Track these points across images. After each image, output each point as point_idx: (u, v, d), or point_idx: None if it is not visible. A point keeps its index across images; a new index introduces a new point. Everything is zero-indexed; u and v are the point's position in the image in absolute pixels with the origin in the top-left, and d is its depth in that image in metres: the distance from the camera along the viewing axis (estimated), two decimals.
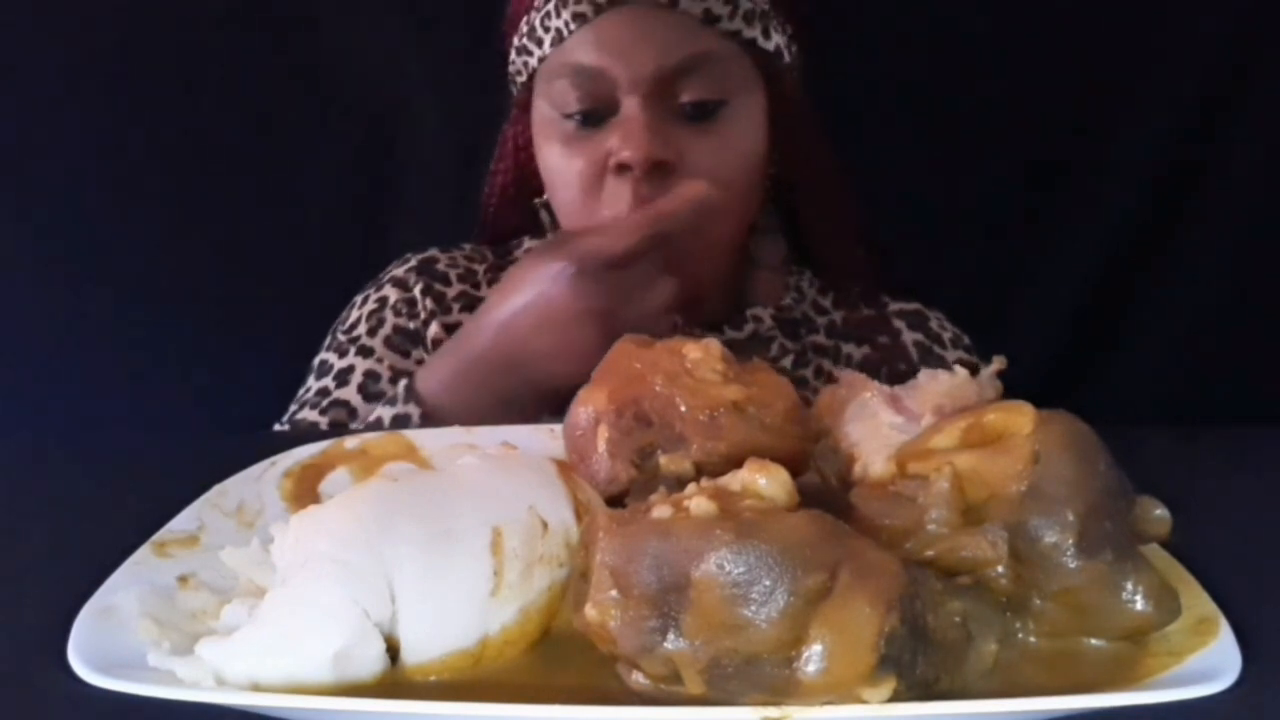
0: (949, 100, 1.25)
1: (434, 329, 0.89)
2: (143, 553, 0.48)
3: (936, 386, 0.51)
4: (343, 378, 0.87)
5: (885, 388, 0.52)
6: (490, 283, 0.93)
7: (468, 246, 0.98)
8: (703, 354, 0.51)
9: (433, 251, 0.96)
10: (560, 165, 0.83)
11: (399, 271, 0.94)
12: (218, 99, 1.23)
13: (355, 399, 0.85)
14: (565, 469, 0.48)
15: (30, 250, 1.22)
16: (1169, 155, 1.31)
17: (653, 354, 0.52)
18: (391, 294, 0.92)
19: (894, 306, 0.95)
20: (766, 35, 0.82)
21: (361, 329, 0.90)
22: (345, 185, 1.26)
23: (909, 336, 0.92)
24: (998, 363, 0.94)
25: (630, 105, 0.79)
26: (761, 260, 0.93)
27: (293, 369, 0.92)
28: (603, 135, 0.80)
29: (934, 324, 0.94)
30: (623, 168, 0.78)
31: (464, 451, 0.49)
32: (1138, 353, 1.34)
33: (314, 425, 0.84)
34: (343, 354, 0.89)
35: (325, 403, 0.86)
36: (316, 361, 0.91)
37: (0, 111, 1.21)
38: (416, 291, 0.91)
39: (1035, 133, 1.27)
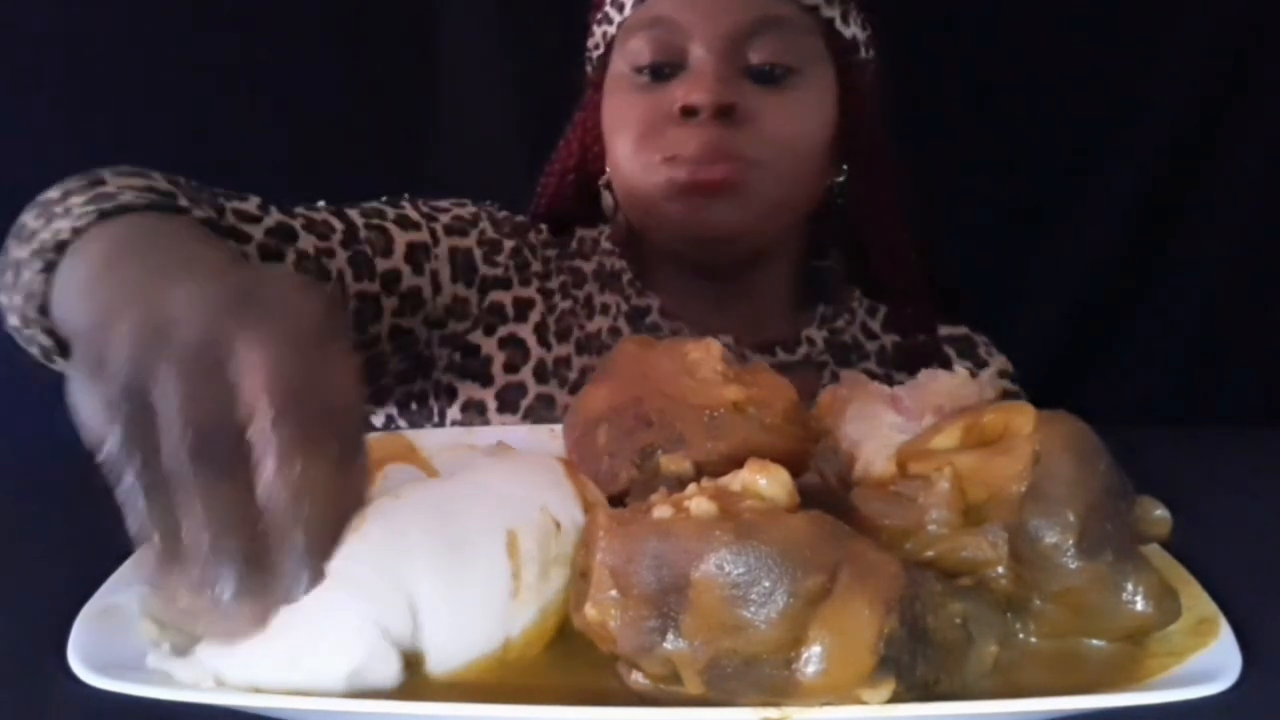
0: (948, 101, 1.25)
1: (494, 294, 0.83)
2: (143, 553, 0.48)
3: (937, 387, 0.51)
4: (403, 222, 0.79)
5: (885, 388, 0.52)
6: (558, 270, 0.87)
7: (544, 229, 0.91)
8: (703, 354, 0.51)
9: (522, 218, 0.90)
10: (624, 114, 0.83)
11: (495, 211, 0.87)
12: (240, 94, 1.23)
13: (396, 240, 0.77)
14: (572, 469, 0.48)
15: None
16: (1170, 156, 1.31)
17: (653, 354, 0.52)
18: (485, 223, 0.85)
19: (944, 332, 0.93)
20: (845, 21, 0.83)
21: (447, 215, 0.83)
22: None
23: (959, 365, 0.91)
24: (997, 362, 0.94)
25: (700, 56, 0.79)
26: (826, 273, 0.92)
27: None
28: (671, 87, 0.80)
29: (981, 351, 0.93)
30: (688, 111, 0.78)
31: (465, 452, 0.49)
32: (1138, 353, 1.34)
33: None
34: (413, 211, 0.81)
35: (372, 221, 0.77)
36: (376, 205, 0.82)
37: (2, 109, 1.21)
38: (506, 245, 0.85)
39: (1035, 133, 1.27)
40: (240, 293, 0.37)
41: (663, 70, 0.81)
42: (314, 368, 0.35)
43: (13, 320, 0.61)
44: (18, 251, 0.59)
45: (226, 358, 0.34)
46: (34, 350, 0.62)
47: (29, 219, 0.60)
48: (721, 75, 0.78)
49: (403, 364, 0.81)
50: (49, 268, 0.55)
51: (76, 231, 0.55)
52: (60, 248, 0.55)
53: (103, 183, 0.60)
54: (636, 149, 0.81)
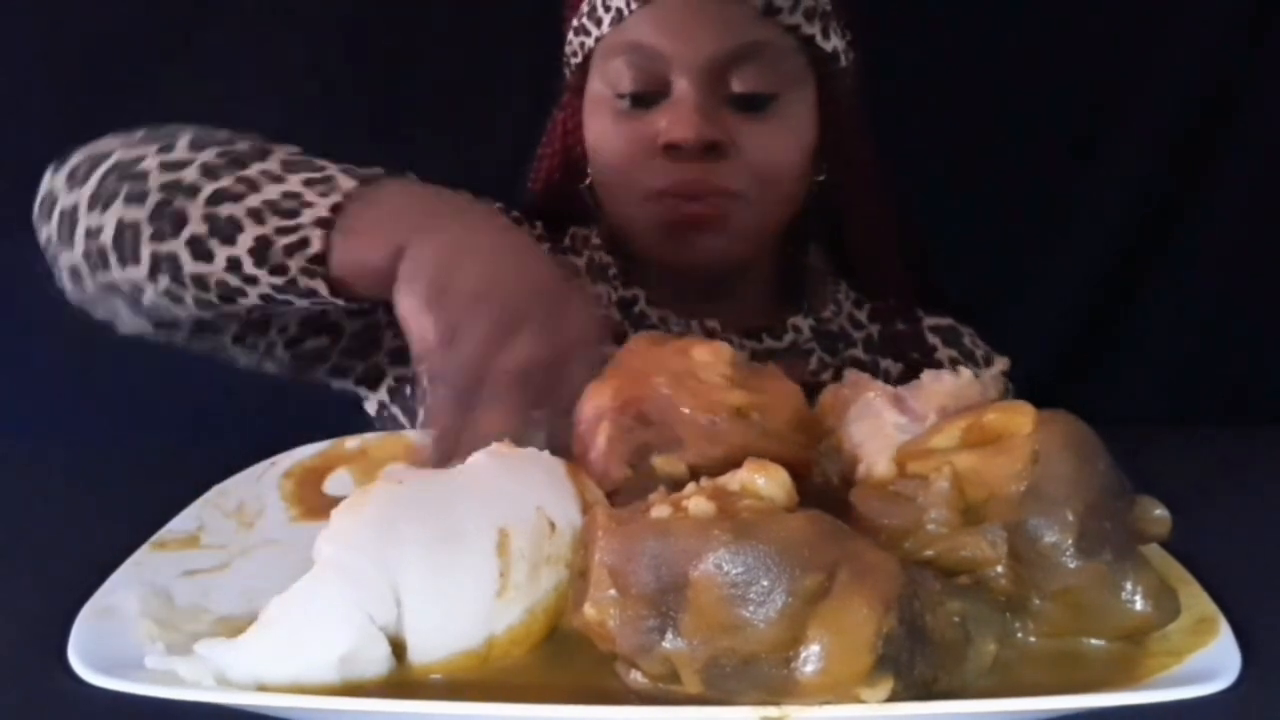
0: (948, 101, 1.25)
1: None
2: (143, 553, 0.48)
3: (940, 387, 0.51)
4: None
5: (889, 388, 0.52)
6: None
7: (539, 225, 0.92)
8: (711, 357, 0.51)
9: (515, 213, 0.90)
10: (607, 142, 0.83)
11: (494, 205, 0.87)
12: (226, 92, 1.23)
13: None
14: (574, 469, 0.48)
15: (34, 250, 1.22)
16: (1169, 155, 1.31)
17: (661, 354, 0.52)
18: None
19: (928, 322, 0.94)
20: (825, 35, 0.83)
21: None
22: None
23: (944, 353, 0.92)
24: (1000, 363, 0.94)
25: (682, 87, 0.79)
26: (805, 269, 0.92)
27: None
28: (653, 116, 0.80)
29: (967, 340, 0.94)
30: (671, 148, 0.78)
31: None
32: (1138, 353, 1.34)
33: None
34: None
35: None
36: None
37: (4, 112, 1.21)
38: None
39: (1035, 133, 1.27)
40: (549, 307, 0.55)
41: (644, 98, 0.80)
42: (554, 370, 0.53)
43: (202, 268, 0.62)
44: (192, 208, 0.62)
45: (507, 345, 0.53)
46: (191, 294, 0.64)
47: (157, 175, 0.63)
48: (704, 110, 0.78)
49: (396, 340, 0.80)
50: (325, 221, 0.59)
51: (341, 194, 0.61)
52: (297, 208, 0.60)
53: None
54: (621, 182, 0.82)
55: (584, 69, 0.86)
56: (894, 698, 0.35)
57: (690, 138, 0.77)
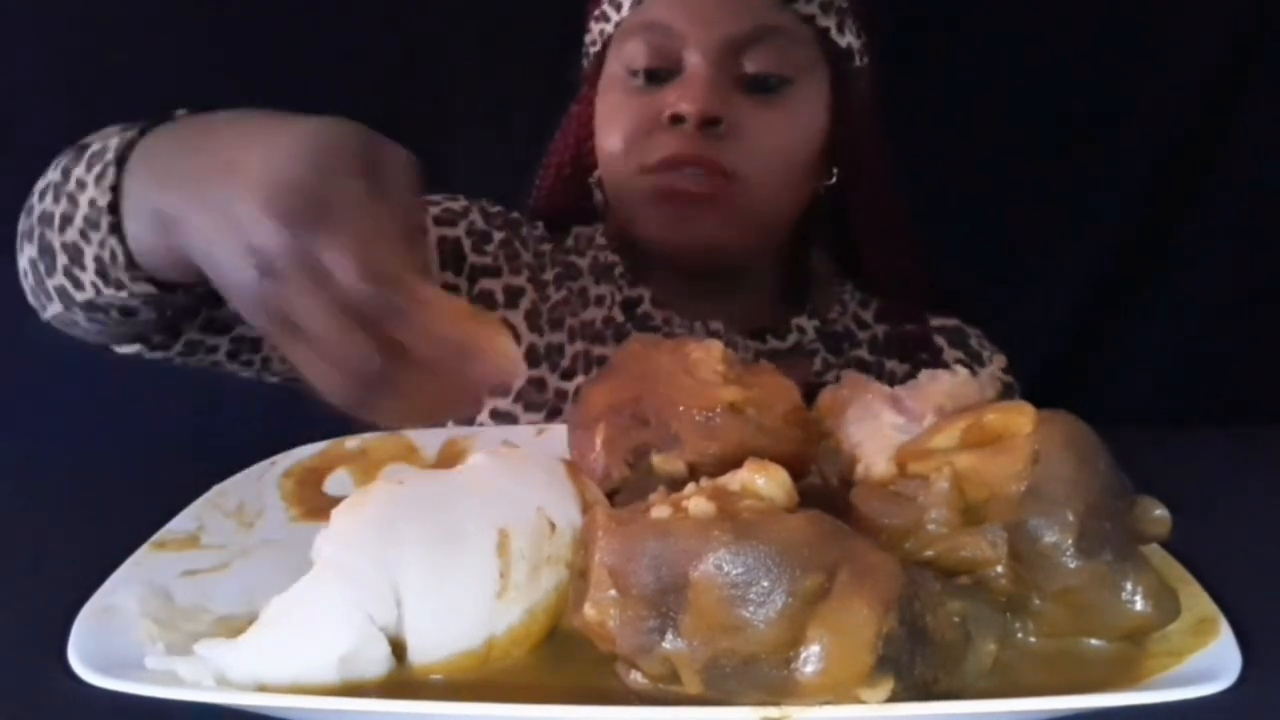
0: (948, 100, 1.25)
1: (483, 282, 0.84)
2: (143, 553, 0.48)
3: (937, 386, 0.51)
4: None
5: (886, 388, 0.52)
6: (553, 264, 0.89)
7: (540, 225, 0.93)
8: (704, 354, 0.51)
9: (516, 214, 0.91)
10: (615, 117, 0.83)
11: (489, 206, 0.89)
12: (243, 92, 1.23)
13: None
14: (574, 469, 0.48)
15: None
16: (1170, 156, 1.31)
17: (656, 353, 0.52)
18: (476, 215, 0.87)
19: (935, 322, 0.94)
20: (840, 30, 0.84)
21: (437, 207, 0.85)
22: None
23: (950, 354, 0.92)
24: (998, 361, 0.94)
25: (695, 63, 0.80)
26: (812, 270, 0.93)
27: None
28: (663, 93, 0.81)
29: (974, 341, 0.94)
30: (676, 119, 0.79)
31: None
32: (1138, 353, 1.34)
33: None
34: None
35: None
36: None
37: (5, 115, 1.21)
38: (496, 235, 0.87)
39: (1036, 133, 1.27)
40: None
41: (657, 75, 0.81)
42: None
43: (86, 295, 0.60)
44: (71, 235, 0.58)
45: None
46: (111, 315, 0.62)
47: (58, 208, 0.59)
48: (713, 85, 0.79)
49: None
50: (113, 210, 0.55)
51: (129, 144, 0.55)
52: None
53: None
54: (622, 153, 0.82)
55: (601, 56, 0.86)
56: (894, 698, 0.35)
57: (695, 109, 0.78)
